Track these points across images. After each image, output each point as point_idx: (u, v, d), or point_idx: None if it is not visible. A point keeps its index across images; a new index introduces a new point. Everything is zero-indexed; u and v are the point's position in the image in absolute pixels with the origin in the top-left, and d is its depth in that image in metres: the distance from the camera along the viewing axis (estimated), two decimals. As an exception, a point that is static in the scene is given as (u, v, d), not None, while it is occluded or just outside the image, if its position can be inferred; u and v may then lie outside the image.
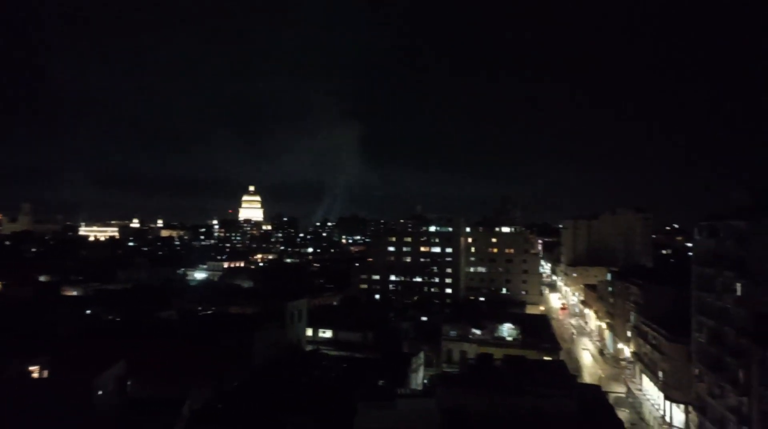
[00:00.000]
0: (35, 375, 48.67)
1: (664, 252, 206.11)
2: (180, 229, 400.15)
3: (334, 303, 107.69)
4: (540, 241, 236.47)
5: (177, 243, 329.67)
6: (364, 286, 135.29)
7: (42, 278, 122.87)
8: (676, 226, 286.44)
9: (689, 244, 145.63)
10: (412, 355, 64.51)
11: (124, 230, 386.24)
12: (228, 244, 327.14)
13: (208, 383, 46.38)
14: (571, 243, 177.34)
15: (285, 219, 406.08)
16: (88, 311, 77.98)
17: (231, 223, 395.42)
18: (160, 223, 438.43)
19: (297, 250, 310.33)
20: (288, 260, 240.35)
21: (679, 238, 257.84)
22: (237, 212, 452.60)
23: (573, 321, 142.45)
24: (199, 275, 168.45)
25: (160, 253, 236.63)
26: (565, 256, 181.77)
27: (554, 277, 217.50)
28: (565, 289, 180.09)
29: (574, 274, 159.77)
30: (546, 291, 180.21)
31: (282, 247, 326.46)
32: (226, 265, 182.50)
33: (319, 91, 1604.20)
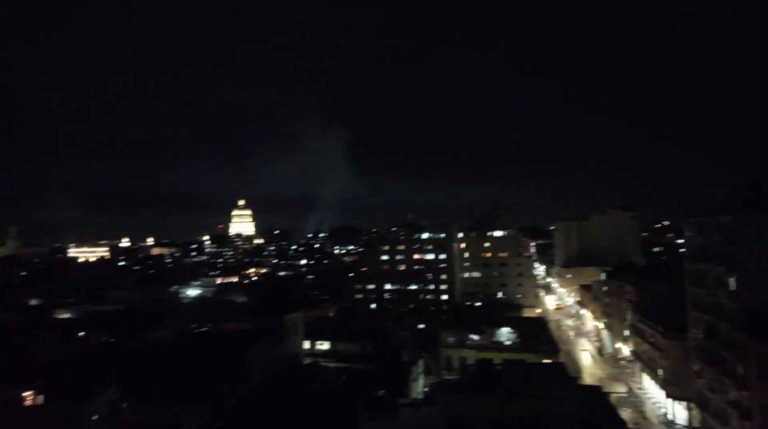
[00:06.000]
0: (29, 401, 47.70)
1: (655, 249, 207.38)
2: (171, 247, 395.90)
3: (330, 314, 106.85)
4: (533, 244, 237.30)
5: (168, 261, 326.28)
6: (360, 296, 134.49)
7: (32, 302, 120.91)
8: (666, 223, 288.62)
9: (680, 241, 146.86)
10: (412, 363, 64.06)
11: (114, 250, 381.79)
12: (220, 260, 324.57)
13: (206, 404, 45.69)
14: (564, 244, 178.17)
15: (276, 232, 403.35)
16: (81, 333, 76.85)
17: (222, 238, 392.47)
18: (150, 241, 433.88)
19: (290, 262, 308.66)
20: (281, 273, 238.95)
21: (670, 235, 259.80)
22: (227, 227, 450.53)
23: (570, 322, 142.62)
24: (192, 292, 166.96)
25: (151, 271, 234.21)
26: (558, 257, 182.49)
27: (549, 279, 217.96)
28: (560, 290, 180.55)
29: (569, 276, 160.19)
30: (542, 293, 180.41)
31: (275, 261, 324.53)
32: (219, 280, 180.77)
33: (302, 101, 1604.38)
